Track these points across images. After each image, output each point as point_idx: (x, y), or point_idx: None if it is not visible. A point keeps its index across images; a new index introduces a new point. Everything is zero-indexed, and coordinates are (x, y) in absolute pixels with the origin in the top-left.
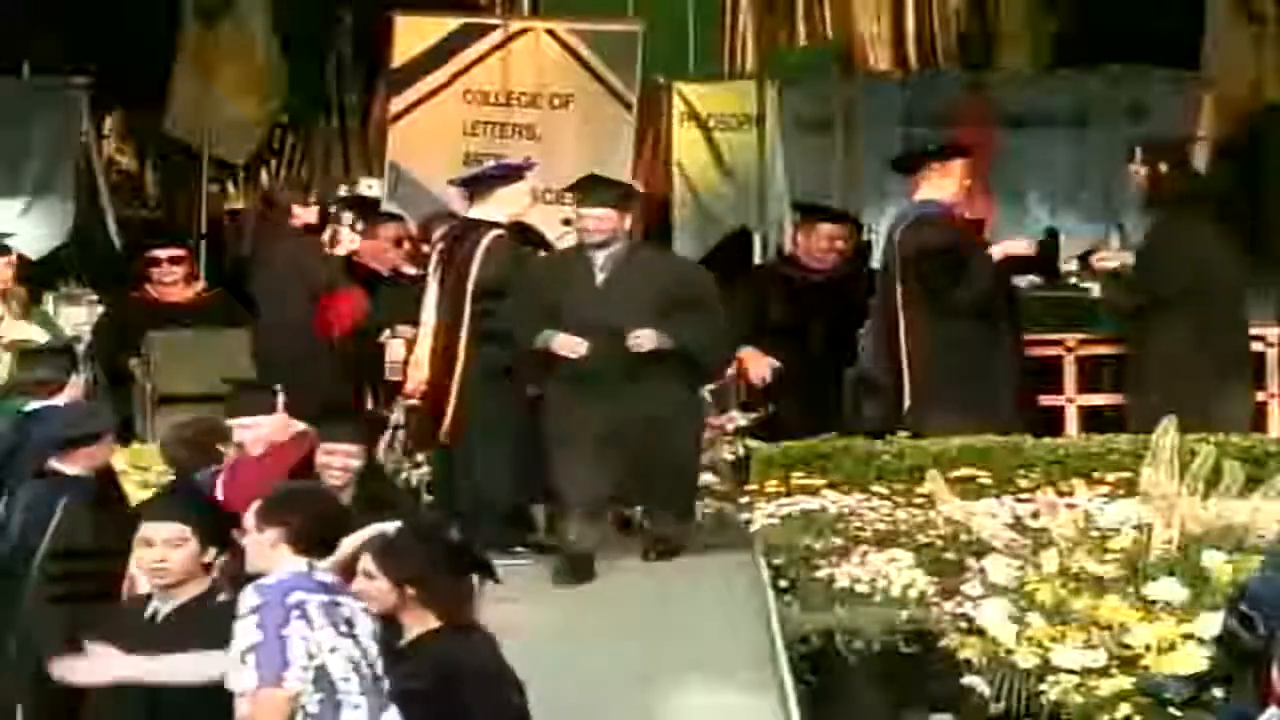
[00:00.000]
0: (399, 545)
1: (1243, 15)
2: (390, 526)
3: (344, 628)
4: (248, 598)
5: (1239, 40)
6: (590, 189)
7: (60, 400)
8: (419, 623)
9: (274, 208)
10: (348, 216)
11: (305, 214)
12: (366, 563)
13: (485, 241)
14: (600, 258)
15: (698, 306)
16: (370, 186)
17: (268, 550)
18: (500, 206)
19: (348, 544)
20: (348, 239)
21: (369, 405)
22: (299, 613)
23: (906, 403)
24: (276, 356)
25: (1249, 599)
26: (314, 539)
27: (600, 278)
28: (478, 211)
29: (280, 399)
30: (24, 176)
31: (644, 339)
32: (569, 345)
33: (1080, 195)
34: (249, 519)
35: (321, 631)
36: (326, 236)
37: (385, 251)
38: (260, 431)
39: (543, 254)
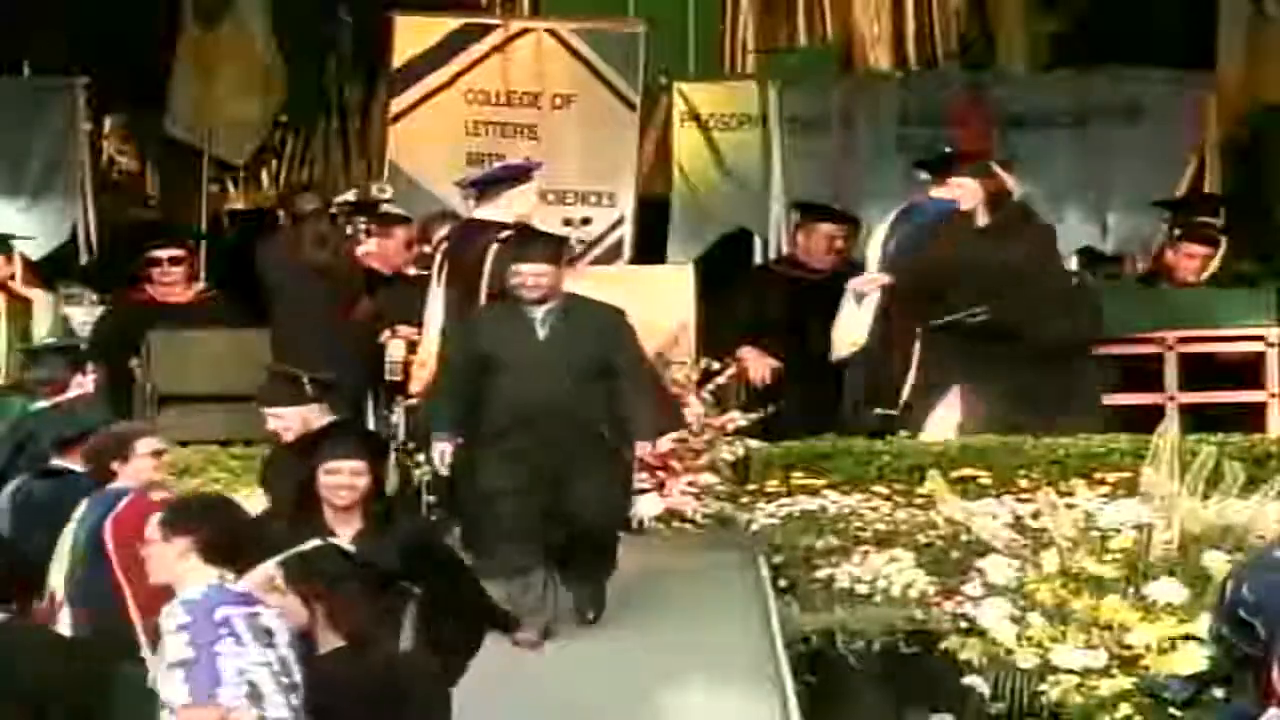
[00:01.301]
0: (309, 560)
1: (1254, 14)
2: (310, 545)
3: (265, 639)
4: (174, 613)
5: (1244, 40)
6: (527, 244)
7: (66, 399)
8: (325, 640)
9: (291, 209)
10: (361, 222)
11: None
12: (278, 576)
13: (496, 242)
14: (539, 313)
15: (631, 365)
16: (384, 190)
17: (173, 561)
18: (507, 208)
19: (271, 564)
20: (367, 243)
21: (369, 405)
22: (227, 629)
23: (904, 400)
24: (307, 361)
25: (1248, 607)
26: (224, 549)
27: (541, 334)
28: (484, 212)
29: (309, 389)
30: (24, 176)
31: (647, 450)
32: None
33: (1080, 195)
34: (152, 529)
35: (249, 647)
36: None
37: (393, 254)
38: (291, 421)
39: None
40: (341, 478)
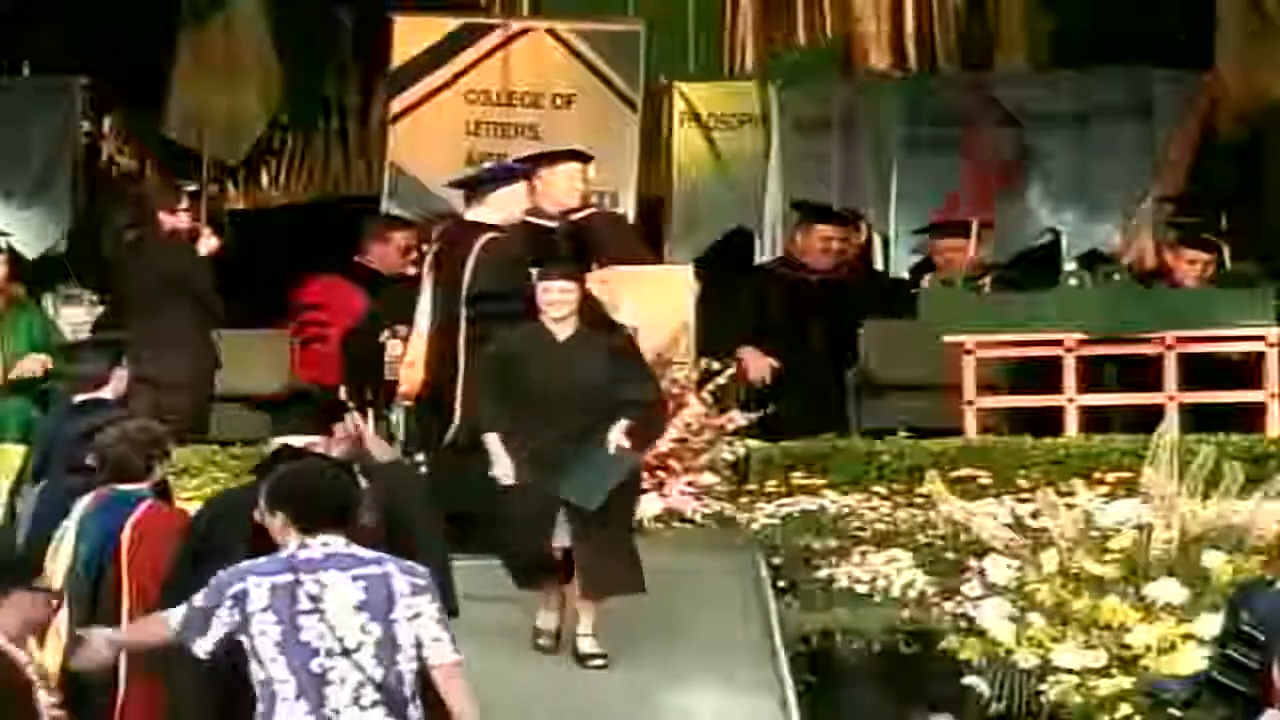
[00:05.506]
0: None
1: (1253, 14)
2: None
3: (305, 604)
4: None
5: (1245, 39)
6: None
7: (105, 394)
8: None
9: (142, 210)
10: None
11: (173, 220)
12: None
13: (479, 244)
14: None
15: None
16: (187, 184)
17: (280, 534)
18: (499, 208)
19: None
20: (205, 239)
21: (370, 405)
22: (233, 602)
23: None
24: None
25: (1250, 620)
26: (314, 518)
27: None
28: (474, 214)
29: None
30: (23, 176)
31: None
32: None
33: (1081, 195)
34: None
35: (259, 617)
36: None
37: (391, 256)
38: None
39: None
40: None
